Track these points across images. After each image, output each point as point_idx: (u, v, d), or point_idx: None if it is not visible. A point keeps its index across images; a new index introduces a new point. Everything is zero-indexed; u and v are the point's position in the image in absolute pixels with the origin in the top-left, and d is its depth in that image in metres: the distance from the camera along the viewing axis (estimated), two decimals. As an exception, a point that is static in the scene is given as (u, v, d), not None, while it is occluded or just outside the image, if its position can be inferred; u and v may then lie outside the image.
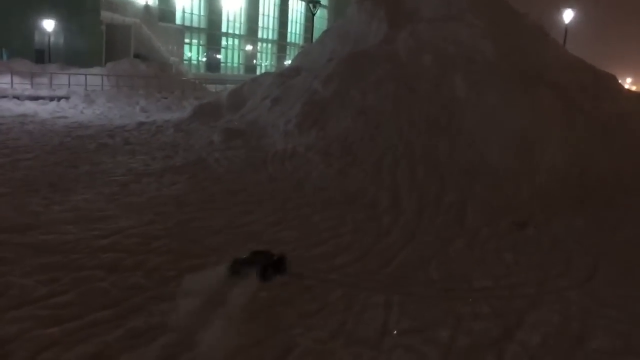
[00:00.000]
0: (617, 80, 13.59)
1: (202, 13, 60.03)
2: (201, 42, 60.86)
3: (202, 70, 58.09)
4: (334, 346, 4.00)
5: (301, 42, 76.49)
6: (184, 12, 56.53)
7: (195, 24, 59.01)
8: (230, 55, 67.27)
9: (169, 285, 4.77)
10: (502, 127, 10.17)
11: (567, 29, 32.25)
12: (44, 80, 23.92)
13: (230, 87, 20.58)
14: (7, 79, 22.50)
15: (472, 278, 5.46)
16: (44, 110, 17.64)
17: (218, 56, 64.03)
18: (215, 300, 3.81)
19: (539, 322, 4.59)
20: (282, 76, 15.16)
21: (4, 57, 39.54)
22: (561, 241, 6.94)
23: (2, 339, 3.75)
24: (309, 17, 59.75)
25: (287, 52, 76.39)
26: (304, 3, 77.44)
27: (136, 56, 38.57)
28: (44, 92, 21.27)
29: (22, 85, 22.34)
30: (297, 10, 79.18)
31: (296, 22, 79.70)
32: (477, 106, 10.74)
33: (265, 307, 4.47)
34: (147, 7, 47.64)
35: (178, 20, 55.22)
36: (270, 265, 4.27)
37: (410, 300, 4.83)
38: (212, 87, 33.24)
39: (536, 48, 12.88)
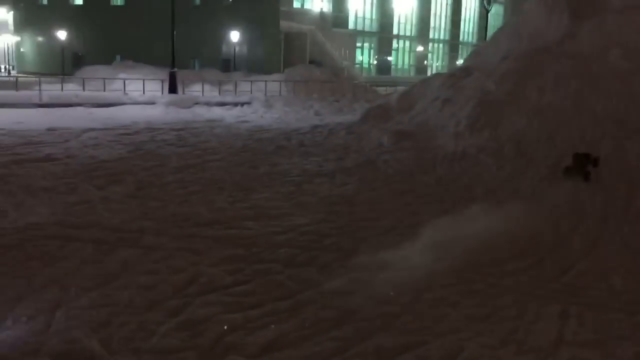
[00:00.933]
0: None
1: (374, 17, 61.01)
2: (372, 45, 61.90)
3: (373, 73, 59.04)
4: (504, 353, 3.88)
5: (474, 41, 74.31)
6: (356, 16, 57.91)
7: (367, 28, 60.15)
8: (401, 57, 67.47)
9: (339, 280, 4.97)
10: None
11: None
12: (229, 87, 26.07)
13: (400, 89, 20.69)
14: (198, 87, 24.89)
15: (664, 293, 4.94)
16: (229, 115, 19.23)
17: (389, 58, 64.61)
18: None
19: None
20: (452, 77, 14.91)
21: (196, 67, 43.74)
22: None
23: (194, 320, 4.20)
24: (483, 14, 57.83)
25: (460, 52, 74.64)
26: (477, 0, 75.21)
27: (311, 62, 40.38)
28: (229, 99, 23.17)
29: (211, 92, 24.57)
30: (470, 8, 77.01)
31: (469, 20, 77.54)
32: (675, 104, 9.64)
33: (432, 307, 4.47)
34: (322, 14, 49.60)
35: (351, 25, 56.70)
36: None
37: (589, 312, 4.51)
38: (382, 90, 33.69)
39: None
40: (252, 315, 4.30)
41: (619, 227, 6.89)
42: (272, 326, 4.14)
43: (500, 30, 16.52)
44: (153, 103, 20.13)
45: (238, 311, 4.37)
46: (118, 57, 45.19)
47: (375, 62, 62.59)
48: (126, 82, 22.72)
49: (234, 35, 41.05)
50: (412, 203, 7.89)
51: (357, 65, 56.11)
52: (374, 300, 4.63)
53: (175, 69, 24.06)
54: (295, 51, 44.63)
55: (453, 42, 75.18)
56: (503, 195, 8.14)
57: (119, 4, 52.22)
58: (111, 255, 5.45)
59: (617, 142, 9.12)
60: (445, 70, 62.29)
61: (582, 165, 7.93)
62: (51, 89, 22.11)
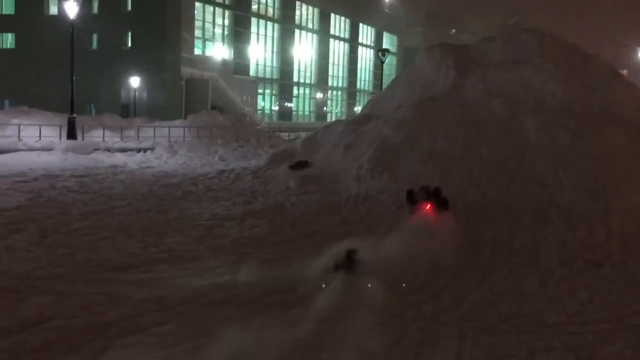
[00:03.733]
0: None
1: (274, 65, 62.49)
2: (274, 92, 63.17)
3: (275, 119, 60.12)
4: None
5: (371, 89, 77.71)
6: (257, 64, 59.07)
7: (268, 75, 61.43)
8: (302, 103, 69.24)
9: (257, 318, 5.22)
10: (575, 168, 10.22)
11: (643, 66, 31.46)
12: (131, 133, 25.66)
13: (302, 134, 21.40)
14: (98, 132, 24.32)
15: (544, 315, 5.61)
16: (132, 161, 18.97)
17: (290, 105, 66.11)
18: None
19: (611, 356, 4.70)
20: (353, 123, 15.74)
21: (93, 112, 42.62)
22: (637, 281, 6.92)
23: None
24: (378, 64, 60.84)
25: (357, 99, 77.77)
26: (372, 51, 79.16)
27: (213, 108, 40.59)
28: (131, 144, 22.83)
29: (111, 138, 24.07)
30: (366, 58, 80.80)
31: (365, 69, 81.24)
32: (549, 149, 10.84)
33: (345, 340, 4.83)
34: (223, 61, 50.16)
35: (252, 72, 57.71)
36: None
37: (483, 335, 5.05)
38: (285, 135, 34.46)
39: (607, 89, 12.86)
40: (175, 353, 4.45)
41: (507, 259, 7.66)
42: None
43: (395, 81, 17.71)
44: (50, 149, 19.44)
45: (160, 350, 4.50)
46: (7, 102, 43.10)
47: (277, 108, 63.81)
48: (21, 127, 21.79)
49: (134, 81, 40.57)
50: (319, 243, 8.26)
51: (259, 111, 56.91)
52: (288, 331, 4.92)
53: (74, 115, 23.43)
54: (197, 97, 44.68)
55: (351, 90, 78.26)
56: (403, 234, 8.76)
57: (8, 46, 50.08)
58: (23, 303, 5.36)
59: (502, 184, 10.11)
60: (344, 116, 64.54)
61: (412, 199, 8.24)
62: None
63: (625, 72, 34.77)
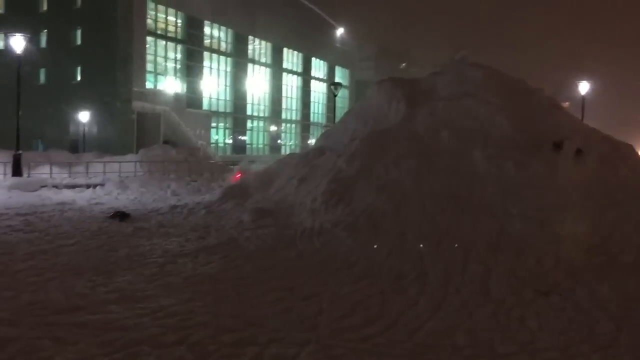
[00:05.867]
0: (635, 150, 13.92)
1: (227, 98, 62.55)
2: (227, 125, 63.09)
3: (229, 153, 59.89)
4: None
5: (324, 122, 78.59)
6: (210, 98, 59.02)
7: (221, 109, 61.40)
8: (256, 136, 69.35)
9: (211, 358, 5.11)
10: (522, 198, 10.54)
11: (584, 100, 32.94)
12: (80, 169, 25.13)
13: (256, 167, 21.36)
14: (46, 169, 23.71)
15: (496, 344, 5.69)
16: (81, 197, 18.49)
17: (244, 138, 66.07)
18: None
19: (562, 384, 4.79)
20: (307, 156, 15.83)
21: (39, 147, 41.56)
22: (585, 308, 7.11)
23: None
24: (331, 97, 61.61)
25: (311, 132, 78.43)
26: (325, 84, 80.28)
27: (165, 142, 40.20)
28: (80, 180, 22.31)
29: (60, 175, 23.49)
30: (318, 92, 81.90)
31: (318, 102, 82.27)
32: (497, 179, 11.17)
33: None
34: (176, 95, 49.93)
35: (205, 106, 57.59)
36: None
37: (437, 367, 5.09)
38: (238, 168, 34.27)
39: (551, 121, 13.39)
40: (124, 399, 4.31)
41: (458, 289, 7.77)
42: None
43: (347, 114, 17.97)
44: (-6, 187, 18.81)
45: (109, 396, 4.35)
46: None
47: (230, 141, 63.65)
48: (-38, 164, 21.05)
49: (83, 115, 39.87)
50: (275, 277, 8.23)
51: (213, 145, 56.67)
52: (246, 372, 4.85)
53: (20, 151, 22.79)
54: (149, 131, 44.21)
55: (304, 122, 78.97)
56: (358, 267, 8.81)
57: (-50, 80, 48.55)
58: (-38, 351, 5.11)
59: (452, 215, 10.31)
60: (298, 149, 64.94)
61: None
62: None
63: (567, 104, 36.30)
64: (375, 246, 9.61)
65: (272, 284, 7.89)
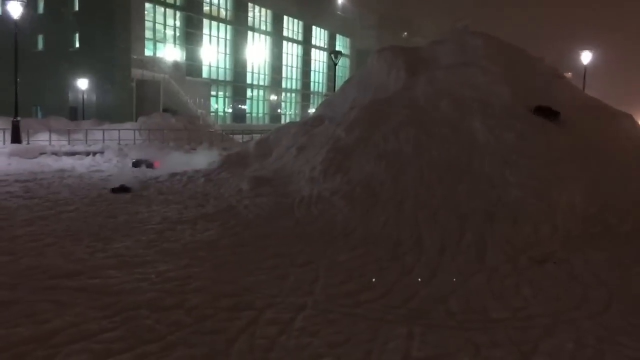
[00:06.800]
0: (634, 119, 13.88)
1: (227, 67, 62.05)
2: (227, 94, 62.74)
3: (229, 121, 59.71)
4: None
5: (324, 91, 78.11)
6: (210, 66, 58.55)
7: (221, 77, 60.97)
8: (256, 105, 69.03)
9: (208, 321, 5.19)
10: (520, 167, 10.54)
11: (586, 70, 32.69)
12: (79, 136, 25.06)
13: (256, 136, 21.31)
14: (45, 136, 23.66)
15: (490, 310, 5.77)
16: (80, 165, 18.51)
17: (243, 107, 65.77)
18: None
19: (554, 349, 4.88)
20: (306, 125, 15.79)
21: (39, 114, 41.40)
22: (579, 275, 7.19)
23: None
24: (331, 66, 61.13)
25: (311, 101, 78.03)
26: (325, 53, 79.55)
27: (165, 110, 40.05)
28: (79, 148, 22.28)
29: (59, 142, 23.45)
30: (319, 61, 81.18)
31: (318, 71, 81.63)
32: (495, 149, 11.14)
33: (294, 337, 4.87)
34: (175, 63, 49.50)
35: (205, 74, 57.20)
36: None
37: (431, 331, 5.16)
38: (238, 137, 34.23)
39: (551, 90, 13.31)
40: (122, 360, 4.39)
41: (454, 257, 7.84)
42: (144, 368, 4.26)
43: (347, 82, 17.86)
44: (-7, 153, 18.81)
45: (107, 357, 4.43)
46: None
47: (230, 110, 63.36)
48: (-39, 131, 21.02)
49: (82, 83, 39.61)
50: (272, 245, 8.29)
51: (213, 114, 56.45)
52: (246, 335, 4.93)
53: (19, 118, 22.72)
54: (148, 99, 44.01)
55: (304, 92, 78.49)
56: (355, 235, 8.87)
57: (-52, 46, 48.10)
58: (-37, 313, 5.19)
59: (450, 184, 10.33)
60: (298, 118, 64.72)
61: None
62: None
63: (569, 74, 36.04)
64: (371, 214, 9.66)
65: (269, 251, 7.96)
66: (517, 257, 7.82)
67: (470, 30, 16.77)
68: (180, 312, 5.46)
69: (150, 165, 17.34)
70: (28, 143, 22.65)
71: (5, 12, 31.73)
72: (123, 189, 13.10)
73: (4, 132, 22.47)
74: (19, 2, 23.19)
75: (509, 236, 8.64)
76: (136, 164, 17.69)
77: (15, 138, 22.22)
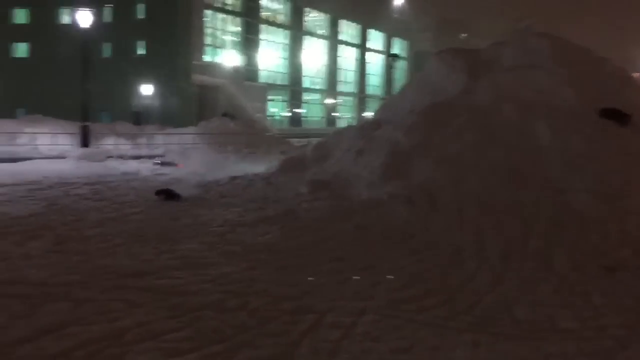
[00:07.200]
0: None
1: (284, 71, 62.73)
2: (284, 98, 63.42)
3: (285, 125, 60.34)
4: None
5: (381, 94, 77.74)
6: (267, 70, 59.36)
7: (278, 82, 61.69)
8: (312, 109, 69.41)
9: (271, 324, 5.26)
10: (588, 173, 10.18)
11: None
12: (143, 140, 25.91)
13: (313, 140, 21.43)
14: (111, 140, 24.56)
15: (559, 319, 5.59)
16: (145, 168, 19.11)
17: (300, 111, 66.29)
18: None
19: (628, 362, 4.68)
20: (364, 129, 15.76)
21: (105, 119, 43.03)
22: (655, 286, 6.87)
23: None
24: (388, 69, 60.75)
25: (367, 104, 77.82)
26: (382, 56, 79.24)
27: (224, 114, 40.84)
28: (144, 152, 23.02)
29: (124, 146, 24.30)
30: (375, 64, 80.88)
31: (375, 74, 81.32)
32: (562, 153, 10.81)
33: (357, 342, 4.86)
34: (234, 68, 50.45)
35: (262, 79, 58.04)
36: None
37: (497, 340, 5.05)
38: (295, 141, 34.51)
39: (620, 92, 12.80)
40: (190, 359, 4.49)
41: (519, 264, 7.64)
42: (211, 368, 4.34)
43: (406, 86, 17.73)
44: (64, 157, 19.66)
45: (176, 356, 4.55)
46: (20, 111, 43.60)
47: (287, 114, 63.99)
48: (35, 136, 22.08)
49: (146, 88, 40.90)
50: (332, 248, 8.32)
51: (270, 118, 57.17)
52: (309, 338, 4.96)
53: (88, 123, 23.69)
54: (207, 104, 45.04)
55: (361, 95, 78.36)
56: (415, 240, 8.79)
57: (21, 55, 50.69)
58: (41, 310, 5.43)
59: (514, 190, 10.08)
60: (354, 122, 64.67)
61: None
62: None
63: (638, 75, 34.56)
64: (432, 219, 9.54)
65: (329, 254, 7.98)
66: (586, 265, 7.55)
67: (533, 31, 16.34)
68: (243, 313, 5.55)
69: (174, 166, 19.31)
70: (96, 147, 23.57)
71: (74, 20, 33.18)
72: (167, 194, 12.60)
73: (73, 136, 23.46)
74: (88, 11, 24.19)
75: (577, 243, 8.35)
76: (162, 164, 19.60)
77: (84, 142, 23.18)
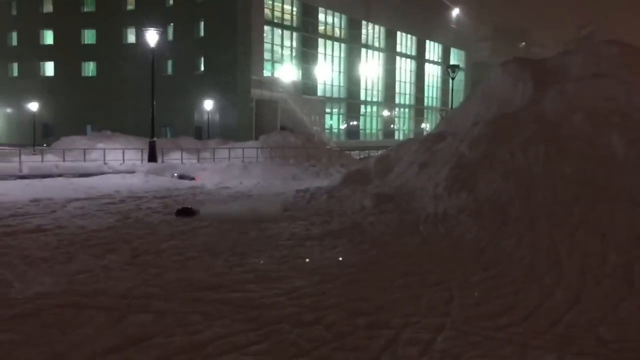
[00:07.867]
0: None
1: (341, 84, 63.04)
2: (341, 111, 63.66)
3: (343, 138, 60.51)
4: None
5: (438, 105, 76.95)
6: (325, 84, 59.81)
7: (335, 95, 62.03)
8: (369, 122, 69.39)
9: (348, 338, 5.26)
10: (667, 184, 9.75)
11: None
12: (206, 154, 26.53)
13: (372, 153, 21.42)
14: (176, 154, 25.28)
15: (647, 340, 5.36)
16: (209, 182, 19.56)
17: (357, 123, 66.36)
18: None
19: None
20: (427, 141, 15.63)
21: (168, 135, 44.32)
22: None
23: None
24: (446, 80, 60.08)
25: (425, 116, 77.15)
26: (439, 67, 78.50)
27: (282, 128, 41.40)
28: (207, 166, 23.57)
29: (188, 160, 24.96)
30: (433, 75, 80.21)
31: (432, 86, 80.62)
32: (637, 164, 10.40)
33: (437, 359, 4.80)
34: (292, 82, 51.08)
35: (319, 92, 58.50)
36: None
37: (583, 360, 4.89)
38: (354, 154, 34.57)
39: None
40: (271, 373, 4.56)
41: (598, 281, 7.37)
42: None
43: (468, 98, 17.49)
44: (133, 172, 20.39)
45: (257, 370, 4.63)
46: (89, 127, 45.52)
47: (344, 127, 64.18)
48: (105, 151, 23.01)
49: (207, 104, 41.92)
50: (401, 263, 8.26)
51: (327, 131, 57.46)
52: (388, 353, 4.94)
53: (155, 138, 24.49)
54: (266, 118, 45.71)
55: (418, 107, 77.76)
56: (486, 255, 8.61)
57: (90, 74, 52.95)
58: (125, 321, 5.63)
59: (588, 202, 9.75)
60: (411, 134, 64.22)
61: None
62: (29, 160, 22.21)
63: None
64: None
65: (399, 269, 7.93)
66: (670, 282, 7.20)
67: (597, 38, 15.83)
68: (319, 327, 5.58)
69: (192, 179, 20.27)
70: (163, 161, 24.33)
71: (139, 40, 34.40)
72: (184, 212, 12.45)
73: (141, 152, 24.30)
74: (155, 31, 25.08)
75: (659, 259, 7.98)
76: (180, 177, 20.67)
77: (152, 157, 23.95)
